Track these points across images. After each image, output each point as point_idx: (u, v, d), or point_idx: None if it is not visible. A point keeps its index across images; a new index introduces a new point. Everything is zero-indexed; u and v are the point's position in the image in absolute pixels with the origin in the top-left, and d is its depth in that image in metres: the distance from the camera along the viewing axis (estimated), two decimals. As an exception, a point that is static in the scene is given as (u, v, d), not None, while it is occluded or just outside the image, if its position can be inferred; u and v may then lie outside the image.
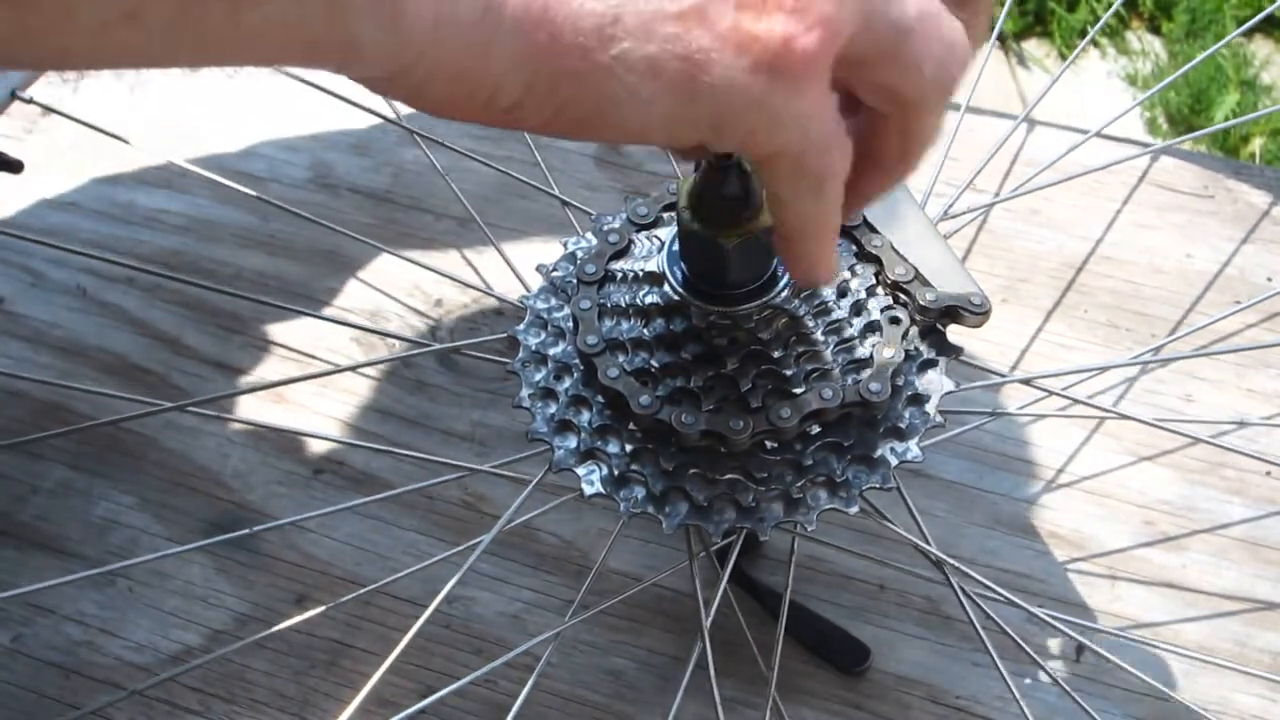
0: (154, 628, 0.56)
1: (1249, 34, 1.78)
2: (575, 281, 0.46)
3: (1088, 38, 0.79)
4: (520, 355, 0.47)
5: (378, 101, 0.63)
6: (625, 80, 0.29)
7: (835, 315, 0.45)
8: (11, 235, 0.67)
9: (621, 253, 0.47)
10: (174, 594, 0.57)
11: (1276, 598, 0.57)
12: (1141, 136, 1.60)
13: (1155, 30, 1.78)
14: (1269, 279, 0.68)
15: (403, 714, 0.45)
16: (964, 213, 0.63)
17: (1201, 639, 0.56)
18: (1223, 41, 0.73)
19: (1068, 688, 0.54)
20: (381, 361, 0.65)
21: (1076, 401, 0.54)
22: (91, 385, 0.64)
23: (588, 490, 0.44)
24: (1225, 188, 0.72)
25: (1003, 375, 0.55)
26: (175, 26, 0.26)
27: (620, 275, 0.46)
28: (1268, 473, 0.61)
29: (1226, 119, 1.61)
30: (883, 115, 0.34)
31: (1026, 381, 0.54)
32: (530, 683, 0.47)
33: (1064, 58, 1.75)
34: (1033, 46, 1.77)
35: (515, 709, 0.46)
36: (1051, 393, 0.55)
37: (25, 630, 0.56)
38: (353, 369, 0.64)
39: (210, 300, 0.67)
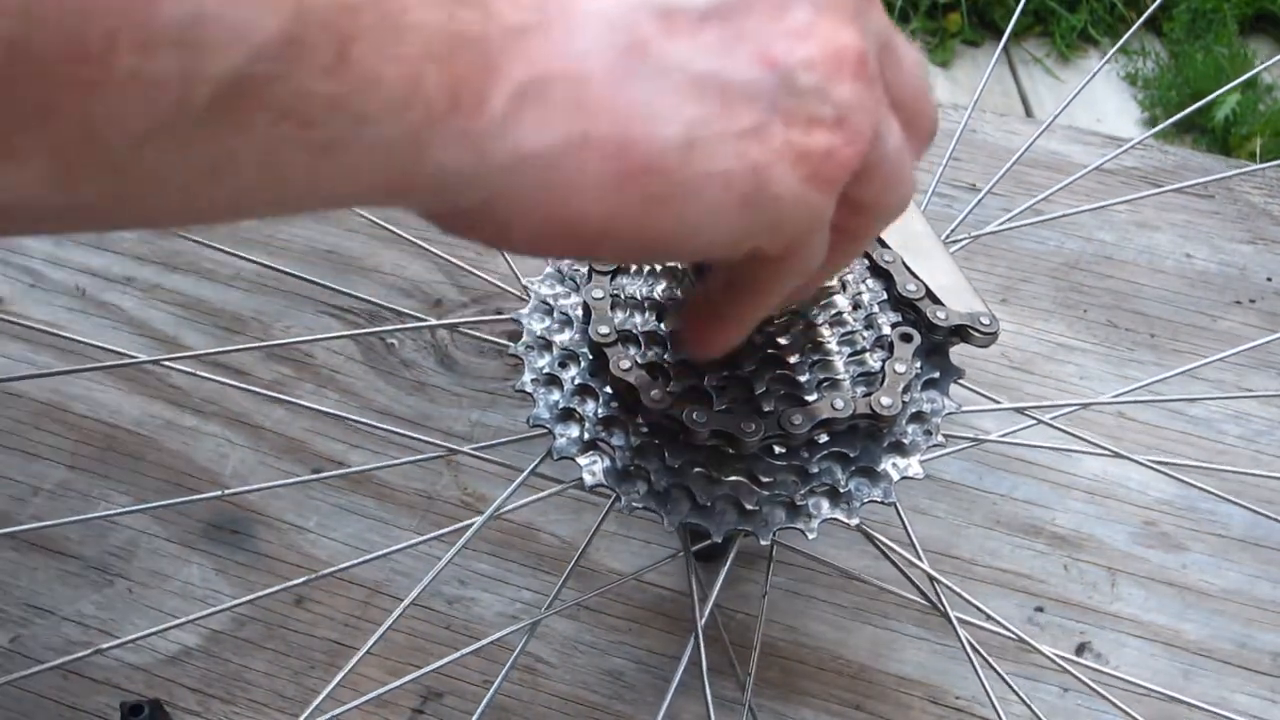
0: (153, 628, 0.56)
1: (1250, 34, 1.78)
2: (586, 270, 0.46)
3: (1098, 68, 0.79)
4: (524, 340, 0.47)
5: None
6: (704, 196, 0.30)
7: (850, 326, 0.45)
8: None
9: None
10: (173, 594, 0.57)
11: (1276, 598, 0.57)
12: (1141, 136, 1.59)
13: (1156, 30, 1.78)
14: (1269, 279, 0.69)
15: (368, 697, 0.45)
16: (988, 232, 0.63)
17: (1201, 639, 0.56)
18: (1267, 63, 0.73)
19: (1067, 688, 0.54)
20: (371, 333, 0.65)
21: (1071, 435, 0.54)
22: (90, 384, 0.64)
23: (589, 481, 0.44)
24: (1225, 188, 0.72)
25: (997, 402, 0.55)
26: (258, 180, 0.26)
27: (635, 268, 0.46)
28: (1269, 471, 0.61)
29: (1227, 119, 1.61)
30: (836, 226, 0.35)
31: (1021, 410, 0.54)
32: (504, 670, 0.47)
33: (1064, 57, 1.75)
34: (1033, 46, 1.77)
35: (489, 695, 0.46)
36: (1042, 422, 0.55)
37: (24, 631, 0.56)
38: (355, 335, 0.64)
39: (209, 300, 0.67)
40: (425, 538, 0.51)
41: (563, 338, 0.47)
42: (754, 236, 0.32)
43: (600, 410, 0.45)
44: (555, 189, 0.29)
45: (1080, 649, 0.56)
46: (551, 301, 0.47)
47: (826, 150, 0.31)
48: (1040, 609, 0.57)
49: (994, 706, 0.47)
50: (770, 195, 0.31)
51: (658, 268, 0.46)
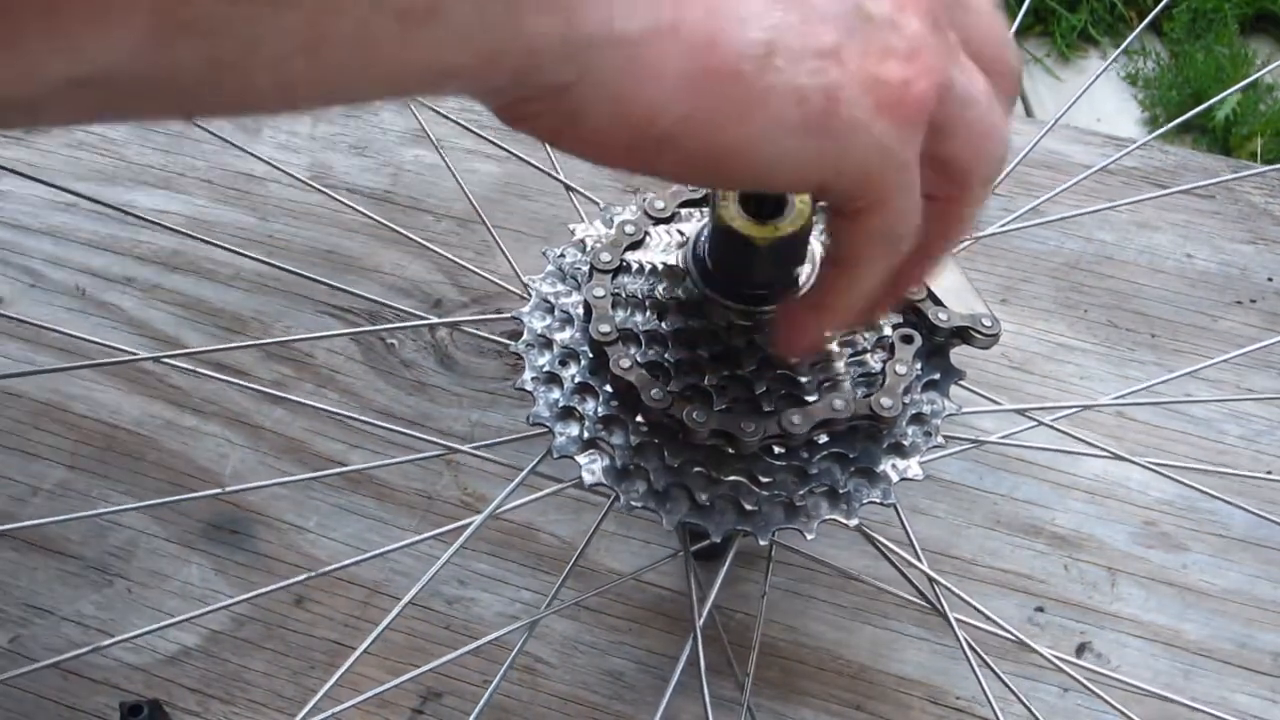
0: (150, 627, 0.56)
1: (1250, 34, 1.78)
2: (589, 269, 0.46)
3: (1102, 70, 0.79)
4: (525, 338, 0.47)
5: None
6: (776, 108, 0.30)
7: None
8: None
9: (637, 244, 0.47)
10: (173, 595, 0.57)
11: (1277, 598, 0.57)
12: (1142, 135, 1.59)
13: (1156, 30, 1.77)
14: (1270, 279, 0.68)
15: (366, 696, 0.45)
16: (990, 233, 0.63)
17: (1201, 639, 0.56)
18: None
19: (1067, 688, 0.54)
20: (372, 332, 0.65)
21: (1072, 436, 0.54)
22: (90, 384, 0.64)
23: (588, 479, 0.44)
24: (1226, 187, 0.72)
25: (997, 403, 0.55)
26: (352, 55, 0.25)
27: (636, 267, 0.46)
28: (1268, 472, 0.61)
29: (1228, 118, 1.61)
30: (930, 196, 0.34)
31: (1022, 412, 0.54)
32: (502, 670, 0.47)
33: (1064, 57, 1.75)
34: (1033, 45, 1.77)
35: (487, 695, 0.46)
36: (1043, 424, 0.55)
37: (23, 631, 0.56)
38: (352, 334, 0.64)
39: (209, 300, 0.67)
40: (423, 536, 0.51)
41: (563, 336, 0.46)
42: (821, 164, 0.31)
43: (600, 409, 0.45)
44: (636, 77, 0.28)
45: (1080, 649, 0.56)
46: (552, 299, 0.47)
47: (902, 80, 0.31)
48: (1040, 609, 0.57)
49: (992, 707, 0.47)
50: (842, 120, 0.30)
51: (658, 266, 0.45)
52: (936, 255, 0.37)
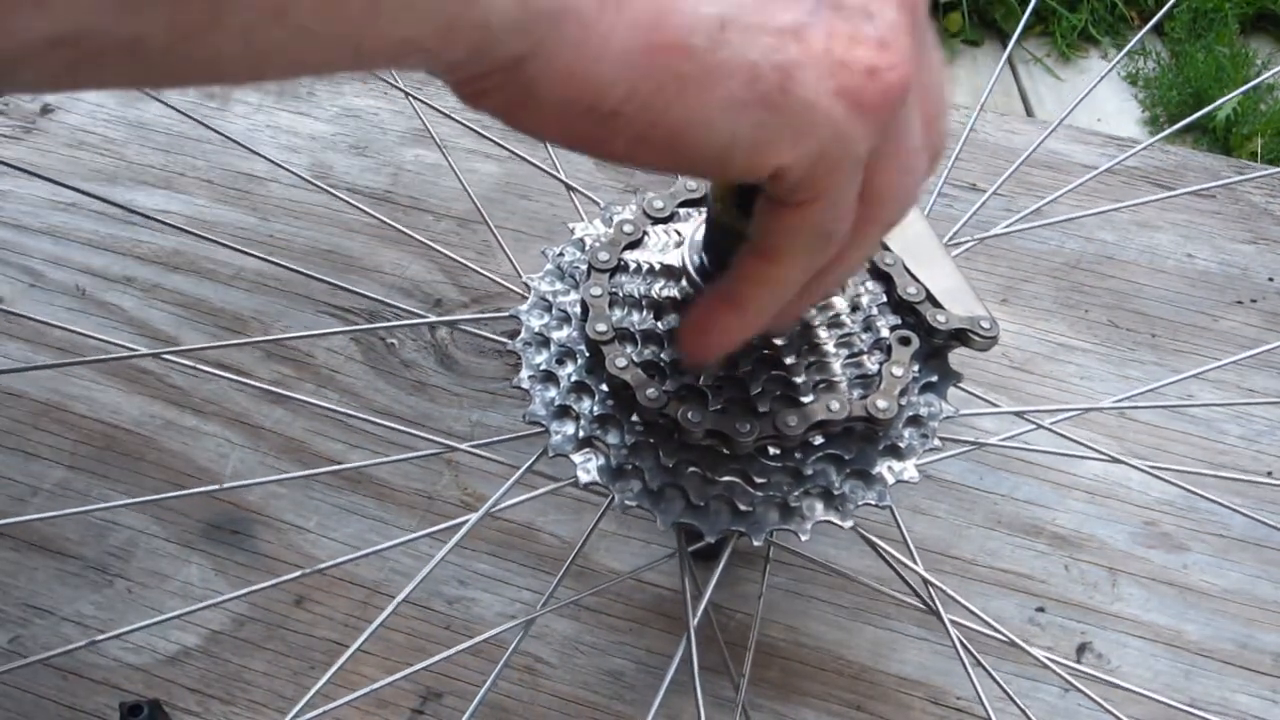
0: (152, 628, 0.56)
1: (1250, 33, 1.77)
2: (586, 268, 0.46)
3: (1106, 73, 0.79)
4: (522, 336, 0.47)
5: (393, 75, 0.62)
6: (725, 84, 0.29)
7: (847, 329, 0.45)
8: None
9: (635, 243, 0.47)
10: (173, 595, 0.57)
11: (1278, 598, 0.57)
12: (1143, 135, 1.59)
13: (1157, 30, 1.77)
14: (1270, 279, 0.68)
15: (362, 693, 0.45)
16: (994, 234, 0.63)
17: (1201, 639, 0.56)
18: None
19: (1067, 688, 0.54)
20: (372, 329, 0.65)
21: (1070, 439, 0.54)
22: (90, 384, 0.64)
23: (583, 478, 0.44)
24: (1227, 187, 0.72)
25: (997, 406, 0.55)
26: (319, 23, 0.25)
27: (634, 266, 0.46)
28: (1269, 473, 0.61)
29: (1228, 118, 1.61)
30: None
31: (1021, 415, 0.54)
32: (497, 668, 0.47)
33: (1065, 57, 1.75)
34: (1033, 45, 1.77)
35: (481, 693, 0.46)
36: (1042, 427, 0.54)
37: (23, 631, 0.56)
38: (351, 332, 0.64)
39: (209, 300, 0.67)
40: (419, 534, 0.50)
41: (561, 335, 0.46)
42: (776, 147, 0.30)
43: (596, 408, 0.45)
44: (585, 50, 0.28)
45: (1081, 649, 0.56)
46: (550, 298, 0.47)
47: (868, 68, 0.30)
48: (1041, 609, 0.57)
49: (983, 704, 0.47)
50: (797, 99, 0.29)
51: (655, 266, 0.45)
52: (845, 271, 0.36)
